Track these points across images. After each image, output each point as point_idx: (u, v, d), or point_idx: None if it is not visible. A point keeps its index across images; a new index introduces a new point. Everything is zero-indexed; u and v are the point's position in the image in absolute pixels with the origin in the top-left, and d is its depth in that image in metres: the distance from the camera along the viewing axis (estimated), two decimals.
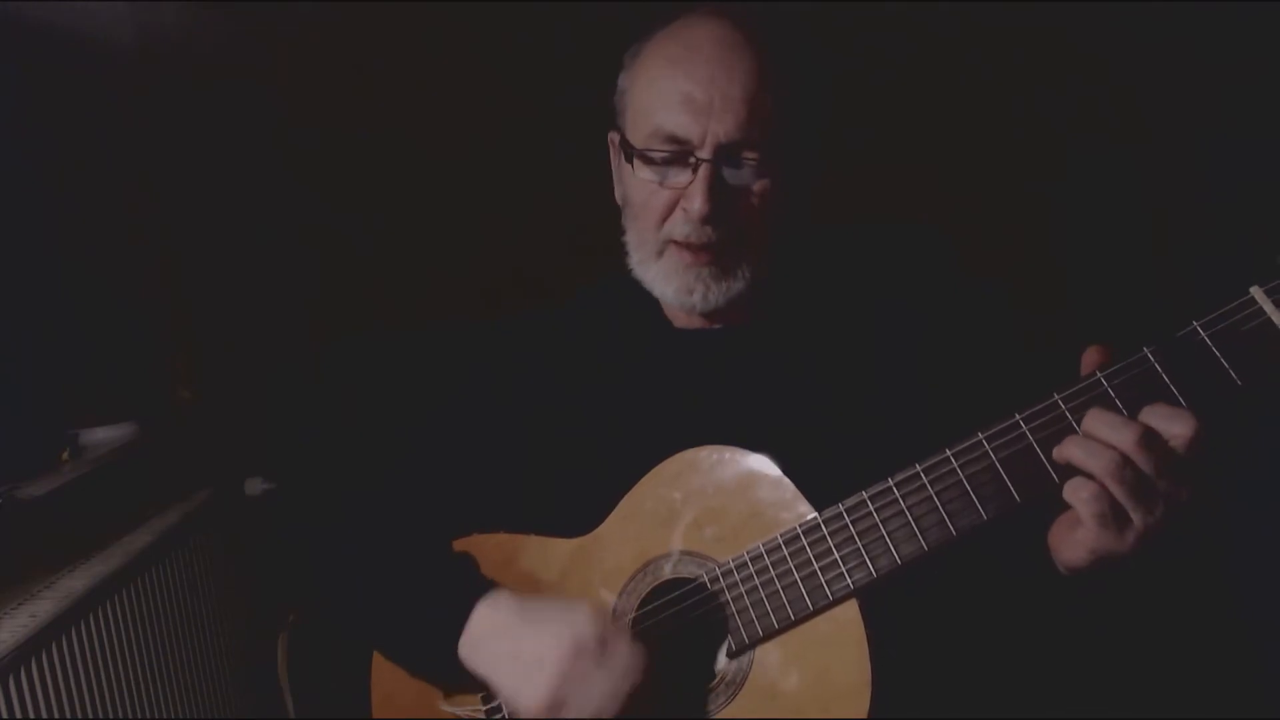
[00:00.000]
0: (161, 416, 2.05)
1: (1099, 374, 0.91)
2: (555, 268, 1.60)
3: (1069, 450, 0.90)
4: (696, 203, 1.05)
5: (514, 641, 1.04)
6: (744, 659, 1.02)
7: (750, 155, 1.06)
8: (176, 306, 2.14)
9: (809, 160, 1.13)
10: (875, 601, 0.98)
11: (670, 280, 1.11)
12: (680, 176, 1.08)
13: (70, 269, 1.99)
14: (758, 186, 1.07)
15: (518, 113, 2.05)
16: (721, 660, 1.05)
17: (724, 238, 1.08)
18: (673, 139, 1.07)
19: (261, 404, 2.15)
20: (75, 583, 1.60)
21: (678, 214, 1.09)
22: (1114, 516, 0.89)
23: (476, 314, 1.40)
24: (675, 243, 1.10)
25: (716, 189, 1.06)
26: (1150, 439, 0.87)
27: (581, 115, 1.23)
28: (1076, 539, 0.92)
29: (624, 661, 0.99)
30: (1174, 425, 0.87)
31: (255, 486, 2.09)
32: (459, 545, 1.19)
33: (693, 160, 1.06)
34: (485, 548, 1.18)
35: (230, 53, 2.06)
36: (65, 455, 1.83)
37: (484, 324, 1.29)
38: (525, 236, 2.07)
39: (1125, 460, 0.87)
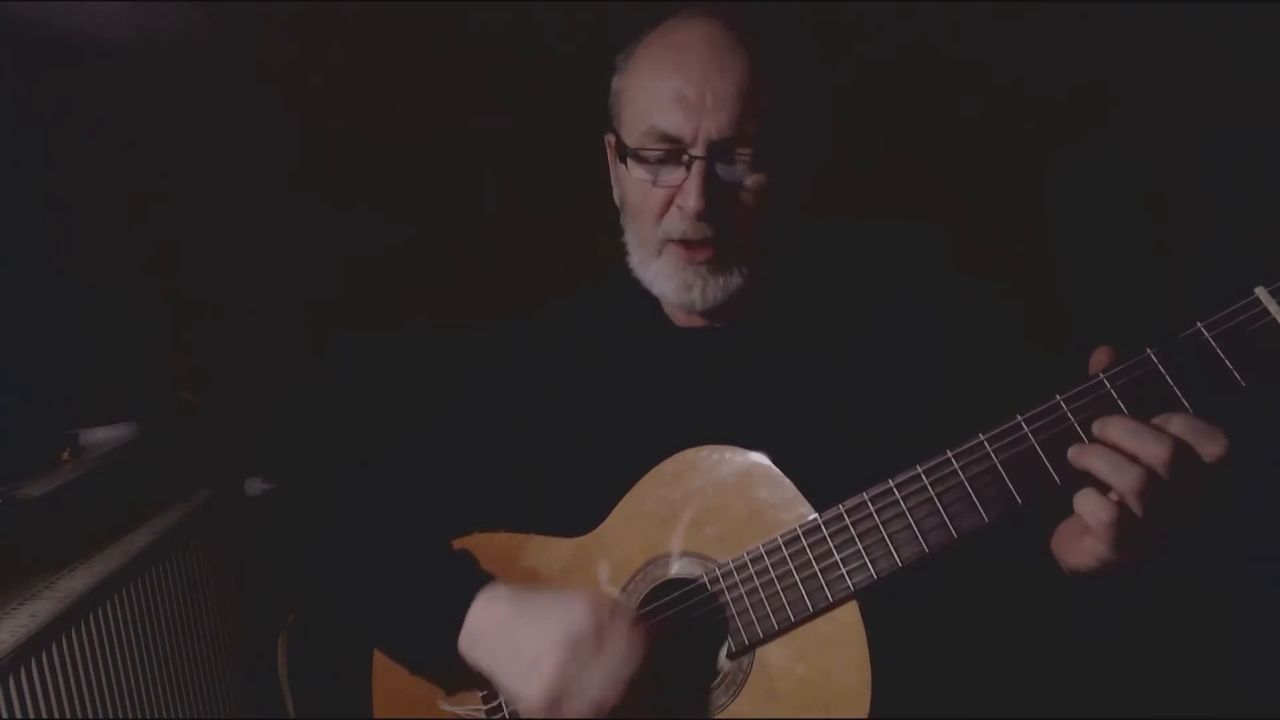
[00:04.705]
0: (161, 416, 2.04)
1: (1101, 375, 0.90)
2: (556, 268, 1.60)
3: (1089, 460, 0.87)
4: (691, 200, 1.06)
5: (511, 639, 1.04)
6: (744, 659, 1.02)
7: (744, 151, 1.06)
8: (176, 306, 2.14)
9: (807, 157, 1.13)
10: (876, 603, 0.97)
11: (670, 278, 1.11)
12: (674, 174, 1.08)
13: (70, 269, 1.98)
14: (752, 182, 1.07)
15: (521, 112, 2.05)
16: (722, 660, 1.04)
17: (721, 234, 1.08)
18: (666, 137, 1.07)
19: (261, 404, 2.15)
20: (75, 583, 1.60)
21: (674, 212, 1.09)
22: (1128, 529, 0.87)
23: (477, 313, 1.40)
24: (673, 241, 1.10)
25: (710, 186, 1.06)
26: (1183, 454, 0.84)
27: (585, 115, 1.23)
28: (1085, 547, 0.91)
29: (621, 650, 0.99)
30: (1211, 445, 0.84)
31: (255, 486, 2.09)
32: (460, 544, 1.19)
33: (686, 158, 1.06)
34: (486, 547, 1.18)
35: (230, 53, 2.06)
36: (65, 455, 1.82)
37: (485, 323, 1.29)
38: (526, 237, 2.07)
39: (1152, 476, 0.84)
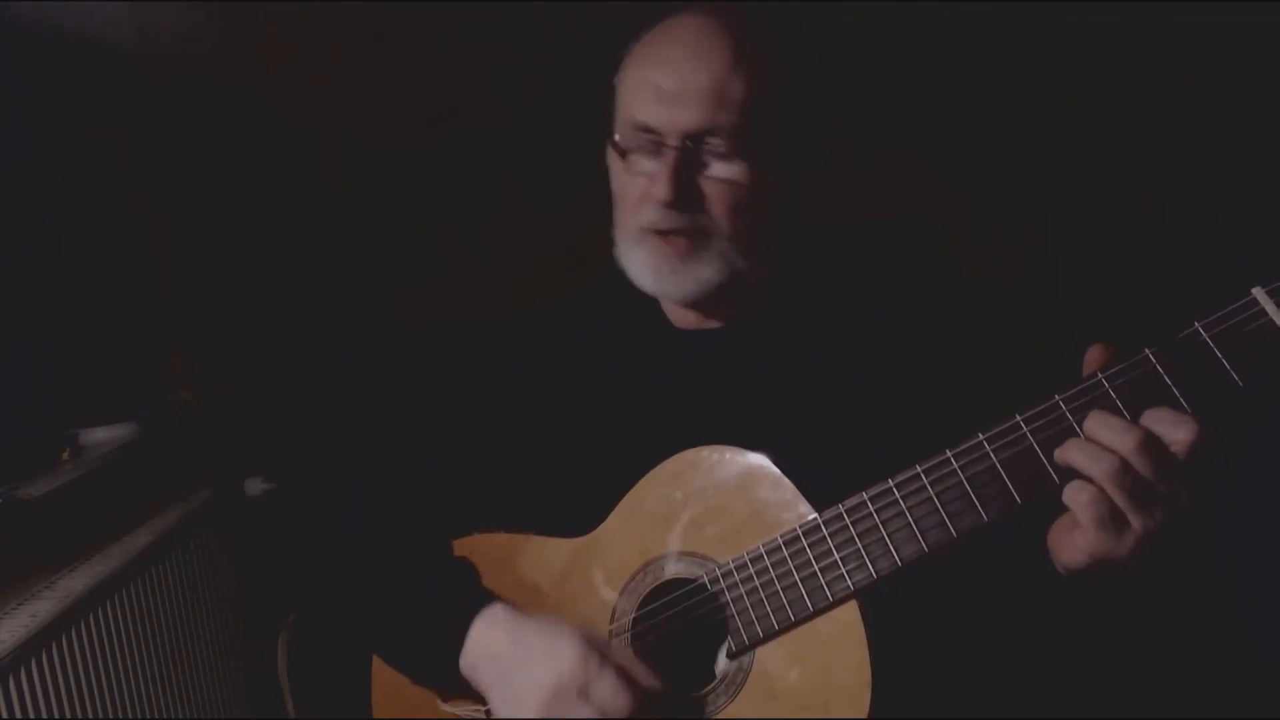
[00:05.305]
0: (161, 416, 2.04)
1: (1100, 375, 0.90)
2: (556, 268, 1.60)
3: (1070, 453, 0.89)
4: (661, 188, 1.07)
5: (504, 671, 1.05)
6: (744, 659, 1.02)
7: (716, 141, 1.06)
8: (176, 306, 2.14)
9: (805, 156, 1.13)
10: (876, 602, 0.97)
11: (646, 267, 1.12)
12: (651, 164, 1.09)
13: (70, 269, 1.98)
14: (727, 173, 1.07)
15: (521, 112, 2.05)
16: (722, 660, 1.05)
17: (694, 224, 1.08)
18: (644, 128, 1.08)
19: (261, 404, 2.15)
20: (75, 583, 1.60)
21: (649, 201, 1.09)
22: (1113, 520, 0.88)
23: (477, 313, 1.40)
24: (647, 230, 1.11)
25: (682, 175, 1.06)
26: (1151, 444, 0.87)
27: (585, 115, 1.23)
28: (1075, 541, 0.92)
29: (605, 703, 0.99)
30: (1177, 431, 0.86)
31: (255, 486, 2.09)
32: (460, 545, 1.20)
33: (661, 148, 1.07)
34: (486, 547, 1.18)
35: (230, 53, 2.06)
36: (65, 455, 1.82)
37: (485, 323, 1.29)
38: (526, 237, 2.07)
39: (1125, 465, 0.87)
